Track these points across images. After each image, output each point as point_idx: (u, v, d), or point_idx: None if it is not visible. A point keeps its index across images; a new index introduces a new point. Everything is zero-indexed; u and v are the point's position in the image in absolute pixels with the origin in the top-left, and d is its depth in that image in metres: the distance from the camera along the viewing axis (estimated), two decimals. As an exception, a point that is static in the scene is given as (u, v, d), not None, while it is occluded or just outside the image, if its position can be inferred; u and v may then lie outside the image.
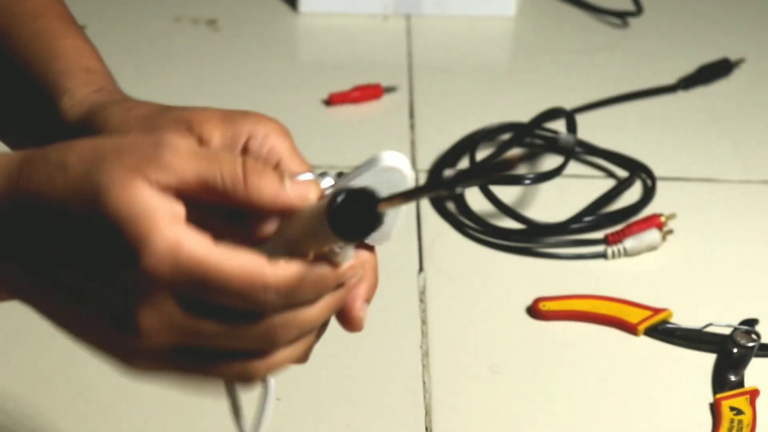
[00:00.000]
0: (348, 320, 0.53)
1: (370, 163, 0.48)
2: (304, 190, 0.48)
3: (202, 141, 0.51)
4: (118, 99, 0.57)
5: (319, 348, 0.77)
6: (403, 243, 0.88)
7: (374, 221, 0.46)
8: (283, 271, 0.46)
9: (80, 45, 0.62)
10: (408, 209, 0.94)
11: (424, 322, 0.80)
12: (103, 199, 0.45)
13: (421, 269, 0.85)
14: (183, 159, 0.46)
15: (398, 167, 0.48)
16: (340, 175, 0.50)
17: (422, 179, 0.96)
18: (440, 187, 0.50)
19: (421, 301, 0.82)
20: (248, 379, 0.51)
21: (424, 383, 0.74)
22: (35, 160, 0.47)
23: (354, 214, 0.46)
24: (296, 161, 0.52)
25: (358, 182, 0.48)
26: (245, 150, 0.52)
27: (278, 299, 0.46)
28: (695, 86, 1.14)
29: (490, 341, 0.78)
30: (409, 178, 0.48)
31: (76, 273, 0.46)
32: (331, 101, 1.06)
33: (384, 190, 0.46)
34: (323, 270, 0.47)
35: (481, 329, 0.79)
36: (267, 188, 0.47)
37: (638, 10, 1.27)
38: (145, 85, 1.09)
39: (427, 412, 0.72)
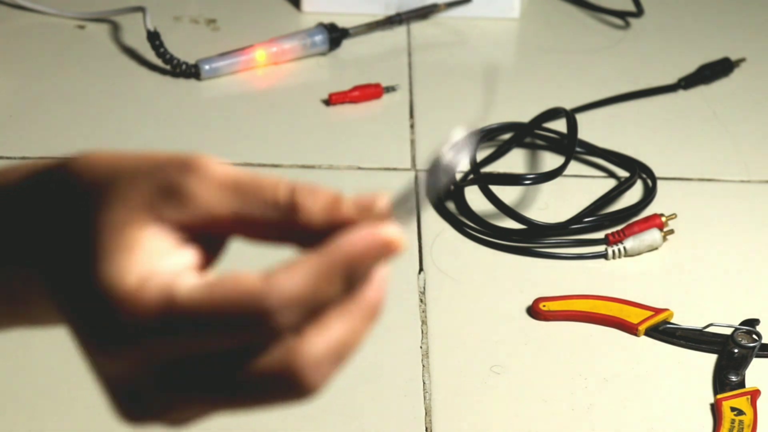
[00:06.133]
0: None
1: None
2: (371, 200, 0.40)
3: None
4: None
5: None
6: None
7: None
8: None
9: None
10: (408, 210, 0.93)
11: (424, 322, 0.79)
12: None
13: (421, 269, 0.85)
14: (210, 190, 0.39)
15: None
16: None
17: (422, 179, 0.95)
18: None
19: (421, 301, 0.81)
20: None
21: (424, 383, 0.74)
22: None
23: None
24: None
25: None
26: None
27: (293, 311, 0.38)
28: (696, 86, 1.14)
29: (490, 341, 0.78)
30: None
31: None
32: (331, 101, 1.06)
33: None
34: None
35: (481, 329, 0.79)
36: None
37: (639, 11, 1.27)
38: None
39: (427, 412, 0.72)
